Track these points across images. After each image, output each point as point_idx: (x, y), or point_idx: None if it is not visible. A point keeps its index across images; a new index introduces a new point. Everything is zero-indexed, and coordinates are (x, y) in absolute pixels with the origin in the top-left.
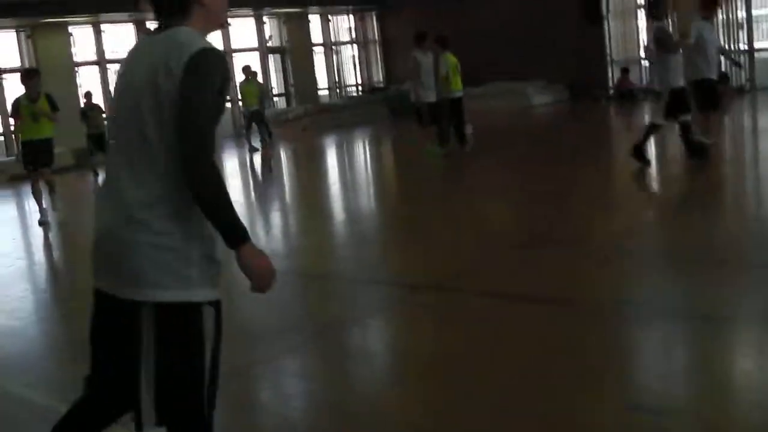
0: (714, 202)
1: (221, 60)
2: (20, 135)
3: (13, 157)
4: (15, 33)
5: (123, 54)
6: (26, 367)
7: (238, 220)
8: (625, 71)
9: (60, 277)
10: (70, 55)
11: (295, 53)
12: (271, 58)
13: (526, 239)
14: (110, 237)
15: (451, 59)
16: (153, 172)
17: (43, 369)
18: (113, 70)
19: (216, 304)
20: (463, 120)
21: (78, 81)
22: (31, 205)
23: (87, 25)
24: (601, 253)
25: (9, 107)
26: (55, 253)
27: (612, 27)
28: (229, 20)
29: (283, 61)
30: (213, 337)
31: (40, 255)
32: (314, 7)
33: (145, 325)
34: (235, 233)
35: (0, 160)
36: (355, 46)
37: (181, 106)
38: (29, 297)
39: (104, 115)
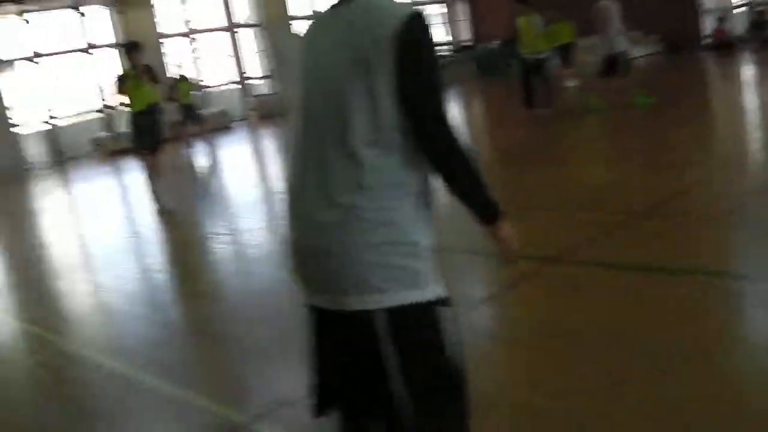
0: None
1: (429, 24)
2: (130, 108)
3: (111, 133)
4: (107, 10)
5: (207, 24)
6: (140, 350)
7: (491, 193)
8: (721, 20)
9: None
10: (155, 28)
11: None
12: None
13: (644, 208)
14: (322, 244)
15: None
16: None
17: (156, 352)
18: (199, 40)
19: (448, 301)
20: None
21: (164, 53)
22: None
23: None
24: (722, 220)
25: (113, 82)
26: (161, 233)
27: None
28: None
29: None
30: (457, 337)
31: (150, 233)
32: None
33: (382, 337)
34: (495, 208)
35: (100, 136)
36: (443, 4)
37: (411, 80)
38: (145, 278)
39: (193, 85)
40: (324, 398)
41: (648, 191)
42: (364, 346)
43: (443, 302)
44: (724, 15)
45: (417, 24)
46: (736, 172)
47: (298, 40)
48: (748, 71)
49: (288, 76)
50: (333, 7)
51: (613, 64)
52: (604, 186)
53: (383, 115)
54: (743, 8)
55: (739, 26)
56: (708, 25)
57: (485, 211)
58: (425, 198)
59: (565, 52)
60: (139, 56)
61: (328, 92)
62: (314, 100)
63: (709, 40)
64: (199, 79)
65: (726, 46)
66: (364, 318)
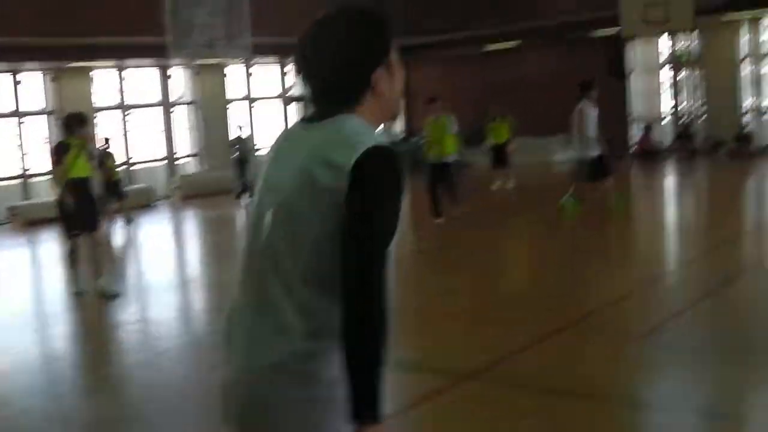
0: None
1: (399, 164)
2: (64, 180)
3: (30, 201)
4: (41, 75)
5: (145, 98)
6: None
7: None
8: (647, 129)
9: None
10: (90, 99)
11: None
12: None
13: (563, 323)
14: (246, 389)
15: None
16: (304, 308)
17: None
18: (134, 114)
19: None
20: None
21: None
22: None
23: (110, 69)
24: (639, 342)
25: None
26: (68, 316)
27: (635, 84)
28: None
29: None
30: None
31: (56, 315)
32: None
33: None
34: (375, 405)
35: (17, 204)
36: None
37: (351, 223)
38: (44, 365)
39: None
40: None
41: (566, 304)
42: None
43: None
44: (651, 124)
45: (376, 161)
46: (658, 290)
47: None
48: (669, 180)
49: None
50: (303, 120)
51: (599, 167)
52: (522, 296)
53: (328, 253)
54: (670, 118)
55: (666, 135)
56: (636, 133)
57: (366, 407)
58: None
59: (500, 152)
60: (82, 128)
61: (277, 217)
62: (263, 221)
63: (635, 148)
64: (127, 154)
65: (651, 155)
66: None
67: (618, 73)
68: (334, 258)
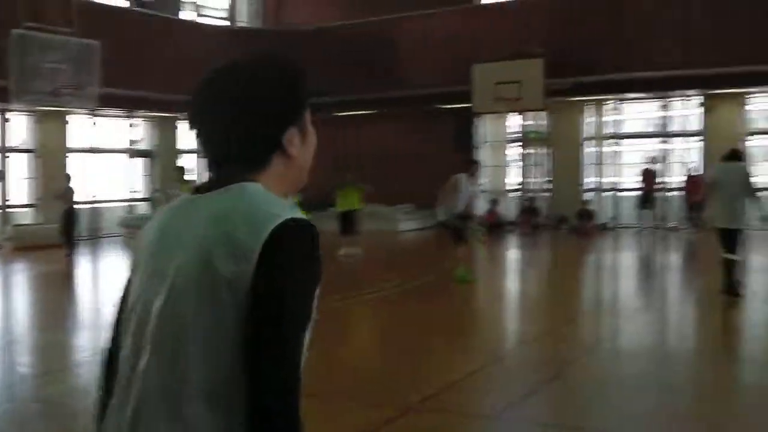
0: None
1: (315, 239)
2: None
3: None
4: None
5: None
6: None
7: None
8: (493, 203)
9: None
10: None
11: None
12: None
13: (413, 402)
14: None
15: None
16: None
17: None
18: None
19: None
20: None
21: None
22: None
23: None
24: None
25: None
26: None
27: (483, 157)
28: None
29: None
30: None
31: None
32: None
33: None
34: None
35: None
36: None
37: (259, 320)
38: None
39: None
40: None
41: (418, 381)
42: None
43: None
44: (496, 198)
45: (291, 240)
46: (501, 369)
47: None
48: (514, 254)
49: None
50: (198, 190)
51: (458, 232)
52: (371, 374)
53: (226, 360)
54: (516, 193)
55: (511, 209)
56: (482, 206)
57: None
58: None
59: (349, 218)
60: None
61: (163, 312)
62: (146, 315)
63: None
64: None
65: (497, 228)
66: None
67: (464, 146)
68: (234, 367)
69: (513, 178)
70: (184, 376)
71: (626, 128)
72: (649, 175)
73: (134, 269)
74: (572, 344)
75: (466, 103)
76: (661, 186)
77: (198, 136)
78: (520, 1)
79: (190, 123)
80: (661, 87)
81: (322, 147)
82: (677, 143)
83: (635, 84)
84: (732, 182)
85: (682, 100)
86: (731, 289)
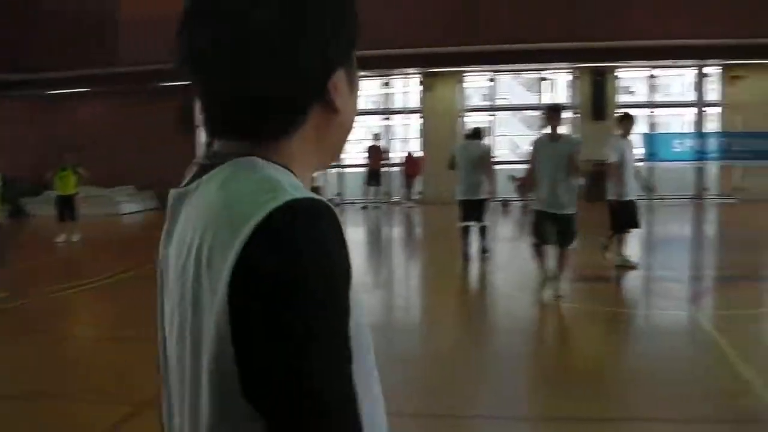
0: None
1: (337, 228)
2: None
3: None
4: None
5: None
6: None
7: None
8: None
9: None
10: None
11: None
12: None
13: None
14: None
15: None
16: None
17: None
18: None
19: None
20: None
21: None
22: None
23: None
24: None
25: None
26: None
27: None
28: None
29: None
30: None
31: None
32: None
33: None
34: None
35: None
36: None
37: (259, 354)
38: None
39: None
40: None
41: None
42: None
43: None
44: None
45: (285, 231)
46: None
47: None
48: None
49: None
50: (194, 178)
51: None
52: (105, 369)
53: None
54: None
55: None
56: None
57: None
58: None
59: (66, 204)
60: None
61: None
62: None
63: None
64: None
65: None
66: None
67: (186, 125)
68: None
69: None
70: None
71: None
72: (375, 152)
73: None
74: None
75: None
76: (386, 162)
77: (197, 84)
78: None
79: (181, 66)
80: (382, 65)
81: (37, 127)
82: (398, 120)
83: (358, 62)
84: (471, 158)
85: (403, 78)
86: (465, 255)
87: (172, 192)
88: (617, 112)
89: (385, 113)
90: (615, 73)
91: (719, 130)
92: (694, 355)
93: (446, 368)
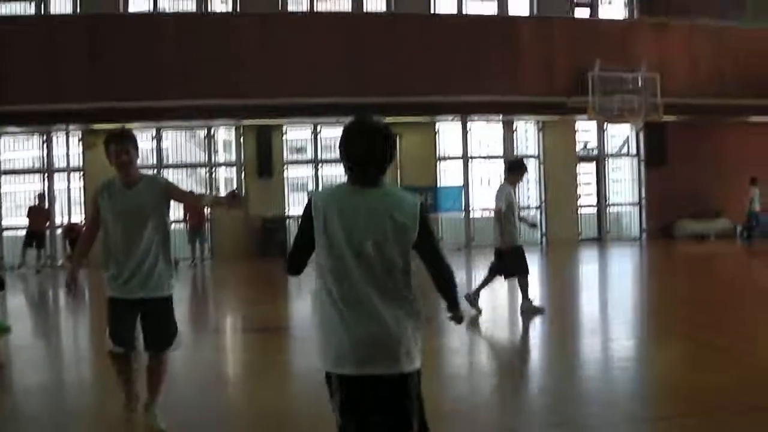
0: None
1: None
2: None
3: None
4: None
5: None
6: None
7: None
8: None
9: None
10: None
11: None
12: None
13: None
14: (382, 337)
15: None
16: (398, 292)
17: None
18: None
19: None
20: None
21: None
22: None
23: None
24: None
25: None
26: None
27: None
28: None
29: None
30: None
31: None
32: None
33: (411, 387)
34: (458, 298)
35: None
36: None
37: (430, 240)
38: None
39: None
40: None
41: None
42: (397, 394)
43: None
44: None
45: (425, 208)
46: None
47: None
48: None
49: None
50: (356, 185)
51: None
52: None
53: (407, 254)
54: None
55: None
56: None
57: (457, 298)
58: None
59: None
60: None
61: (372, 248)
62: (362, 249)
63: None
64: None
65: None
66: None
67: None
68: (408, 256)
69: None
70: (392, 266)
71: (13, 164)
72: (36, 213)
73: (324, 228)
74: None
75: None
76: (49, 224)
77: (359, 161)
78: None
79: (356, 156)
80: (39, 122)
81: None
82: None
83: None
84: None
85: (64, 134)
86: None
87: (350, 194)
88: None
89: (47, 172)
90: (282, 129)
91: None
92: None
93: None
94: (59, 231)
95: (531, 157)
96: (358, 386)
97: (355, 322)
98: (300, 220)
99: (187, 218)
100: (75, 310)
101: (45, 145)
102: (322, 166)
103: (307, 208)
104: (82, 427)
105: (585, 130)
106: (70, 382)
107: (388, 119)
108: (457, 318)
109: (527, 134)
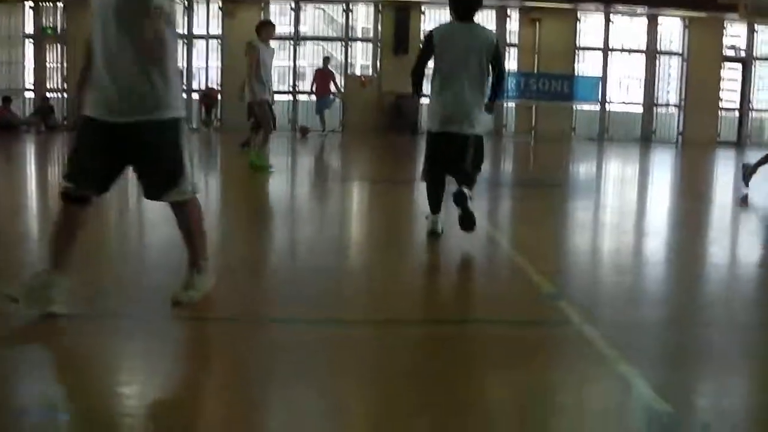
0: None
1: None
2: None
3: None
4: None
5: None
6: None
7: None
8: (5, 100)
9: None
10: None
11: None
12: None
13: None
14: (464, 108)
15: None
16: (480, 85)
17: None
18: None
19: None
20: None
21: None
22: None
23: None
24: None
25: None
26: None
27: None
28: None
29: None
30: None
31: None
32: None
33: (471, 142)
34: (498, 96)
35: None
36: None
37: (498, 56)
38: None
39: None
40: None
41: None
42: (464, 146)
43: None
44: (9, 96)
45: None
46: None
47: None
48: (25, 151)
49: None
50: (460, 21)
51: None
52: None
53: (485, 65)
54: (31, 92)
55: (27, 110)
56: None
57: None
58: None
59: None
60: None
61: (469, 61)
62: (461, 59)
63: None
64: None
65: (9, 126)
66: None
67: None
68: (486, 66)
69: (30, 77)
70: (479, 71)
71: None
72: None
73: (442, 49)
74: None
75: None
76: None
77: (462, 7)
78: None
79: (461, 5)
80: None
81: None
82: (200, 45)
83: None
84: None
85: (204, 1)
86: None
87: (448, 26)
88: None
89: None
90: (421, 9)
91: (516, 71)
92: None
93: None
94: (196, 96)
95: (674, 54)
96: (440, 138)
97: (450, 101)
98: (423, 44)
99: (313, 89)
100: None
101: (186, 13)
102: None
103: (428, 36)
104: None
105: (734, 35)
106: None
107: (529, 3)
108: (488, 107)
109: (672, 31)
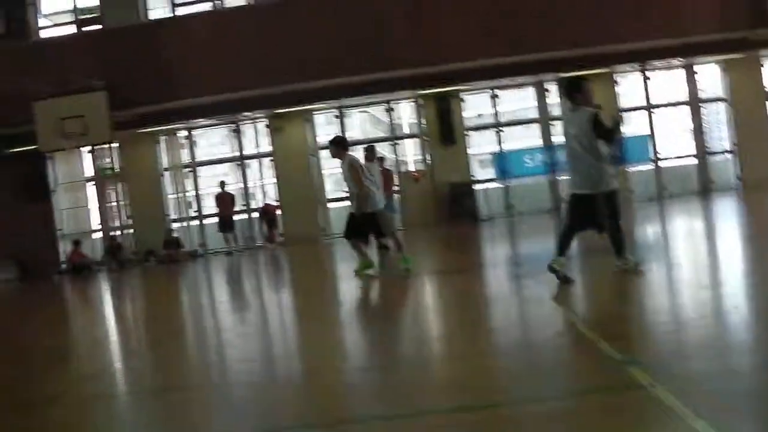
0: None
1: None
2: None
3: None
4: None
5: None
6: None
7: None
8: (76, 243)
9: None
10: None
11: None
12: None
13: None
14: (588, 176)
15: None
16: (586, 159)
17: None
18: None
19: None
20: None
21: None
22: None
23: None
24: None
25: None
26: None
27: (60, 201)
28: None
29: None
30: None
31: None
32: None
33: (600, 201)
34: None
35: None
36: None
37: (601, 127)
38: None
39: None
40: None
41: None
42: (594, 205)
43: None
44: (79, 239)
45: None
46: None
47: None
48: (105, 290)
49: None
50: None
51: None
52: None
53: (592, 139)
54: (99, 233)
55: (96, 250)
56: (64, 249)
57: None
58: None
59: None
60: None
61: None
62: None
63: (65, 265)
64: None
65: (82, 269)
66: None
67: (39, 191)
68: (594, 139)
69: (96, 217)
70: (586, 149)
71: (203, 155)
72: (224, 199)
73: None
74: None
75: (33, 145)
76: (237, 209)
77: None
78: (79, 36)
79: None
80: (228, 110)
81: None
82: (253, 164)
83: (203, 109)
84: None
85: (251, 122)
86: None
87: (567, 112)
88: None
89: (238, 160)
90: (459, 96)
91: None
92: None
93: None
94: (255, 214)
95: (718, 100)
96: (577, 198)
97: (574, 170)
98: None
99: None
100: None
101: (235, 135)
102: (503, 130)
103: None
104: None
105: None
106: None
107: (563, 75)
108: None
109: (711, 76)
